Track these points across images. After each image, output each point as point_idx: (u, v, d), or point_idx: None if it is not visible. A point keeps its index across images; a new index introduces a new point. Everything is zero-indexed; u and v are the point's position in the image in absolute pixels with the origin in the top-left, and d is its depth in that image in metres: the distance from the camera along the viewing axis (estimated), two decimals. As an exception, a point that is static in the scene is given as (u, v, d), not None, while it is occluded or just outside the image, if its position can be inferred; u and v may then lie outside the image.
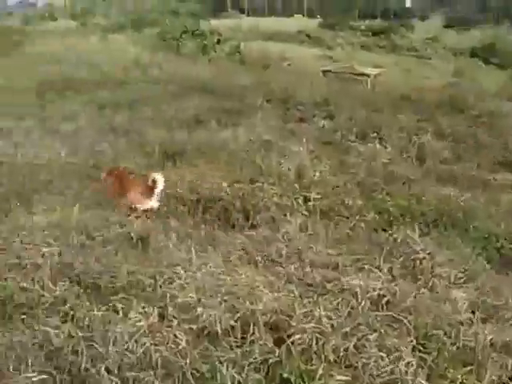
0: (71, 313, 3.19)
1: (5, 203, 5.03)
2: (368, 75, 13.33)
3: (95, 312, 3.17)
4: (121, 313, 3.19)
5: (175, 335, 3.01)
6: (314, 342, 2.96)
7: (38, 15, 36.11)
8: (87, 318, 3.11)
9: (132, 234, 4.55)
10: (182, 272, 3.73)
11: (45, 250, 4.02)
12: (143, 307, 3.23)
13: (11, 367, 2.77)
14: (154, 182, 4.95)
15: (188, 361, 2.81)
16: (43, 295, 3.39)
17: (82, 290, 3.50)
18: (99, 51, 14.76)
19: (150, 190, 4.96)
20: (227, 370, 2.75)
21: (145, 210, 4.97)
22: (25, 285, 3.53)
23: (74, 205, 4.92)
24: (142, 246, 4.51)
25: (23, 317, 3.21)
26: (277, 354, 2.87)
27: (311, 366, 2.81)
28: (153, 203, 5.00)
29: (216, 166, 6.09)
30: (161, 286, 3.50)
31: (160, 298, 3.36)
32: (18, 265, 3.88)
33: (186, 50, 15.53)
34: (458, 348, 3.05)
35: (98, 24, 29.65)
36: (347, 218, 5.09)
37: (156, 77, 10.75)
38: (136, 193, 4.98)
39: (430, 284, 3.76)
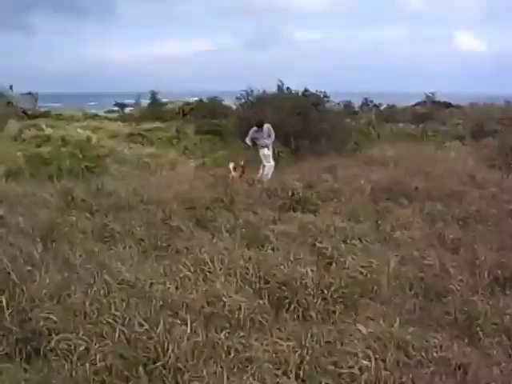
0: None
1: (331, 306, 5.37)
2: None
3: None
4: None
5: None
6: None
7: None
8: None
9: (452, 361, 4.45)
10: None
11: (363, 362, 4.18)
12: None
13: None
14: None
15: None
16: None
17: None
18: (435, 160, 14.99)
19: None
20: None
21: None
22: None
23: (397, 318, 5.02)
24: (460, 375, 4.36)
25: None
26: None
27: None
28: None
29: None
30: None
31: None
32: (333, 370, 4.15)
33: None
34: None
35: (438, 131, 30.42)
36: None
37: (492, 193, 10.30)
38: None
39: None
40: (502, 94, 43.76)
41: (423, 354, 4.45)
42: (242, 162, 13.85)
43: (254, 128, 14.05)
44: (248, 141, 13.99)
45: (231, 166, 13.65)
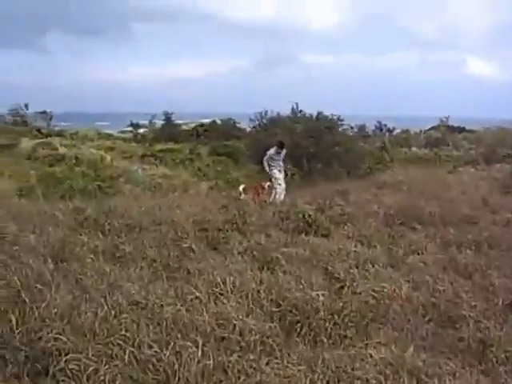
0: None
1: (342, 330, 5.30)
2: None
3: None
4: None
5: None
6: None
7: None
8: None
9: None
10: None
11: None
12: None
13: None
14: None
15: None
16: None
17: None
18: (449, 184, 14.92)
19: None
20: None
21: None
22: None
23: (409, 344, 4.95)
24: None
25: None
26: None
27: None
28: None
29: None
30: None
31: None
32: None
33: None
34: None
35: (451, 156, 30.36)
36: None
37: (506, 219, 10.19)
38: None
39: None
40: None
41: (436, 381, 4.38)
42: (263, 184, 14.11)
43: (275, 148, 14.08)
44: (266, 164, 14.03)
45: (241, 187, 13.98)
